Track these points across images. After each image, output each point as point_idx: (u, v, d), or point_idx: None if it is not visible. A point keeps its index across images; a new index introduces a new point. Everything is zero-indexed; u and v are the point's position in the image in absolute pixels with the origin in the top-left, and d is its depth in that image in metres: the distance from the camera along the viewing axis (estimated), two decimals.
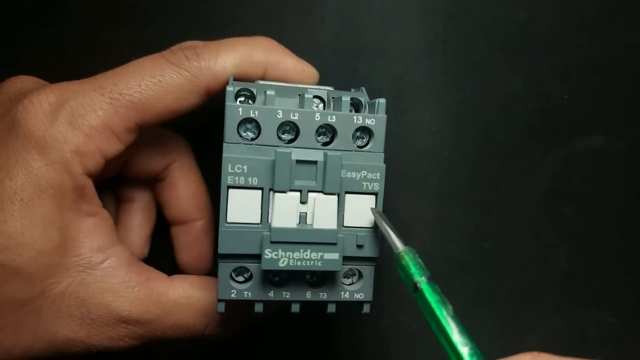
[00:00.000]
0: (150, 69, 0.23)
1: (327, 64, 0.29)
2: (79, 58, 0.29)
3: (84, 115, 0.22)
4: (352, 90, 0.26)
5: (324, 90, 0.23)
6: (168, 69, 0.23)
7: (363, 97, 0.23)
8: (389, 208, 0.30)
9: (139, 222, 0.28)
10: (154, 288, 0.23)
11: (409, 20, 0.29)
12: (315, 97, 0.23)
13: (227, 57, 0.23)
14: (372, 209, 0.22)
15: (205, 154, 0.28)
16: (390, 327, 0.31)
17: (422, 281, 0.19)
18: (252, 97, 0.22)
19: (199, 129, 0.28)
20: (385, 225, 0.21)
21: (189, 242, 0.28)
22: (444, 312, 0.18)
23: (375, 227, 0.22)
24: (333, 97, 0.22)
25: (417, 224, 0.31)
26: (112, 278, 0.22)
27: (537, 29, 0.30)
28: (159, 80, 0.22)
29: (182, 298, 0.24)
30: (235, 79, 0.23)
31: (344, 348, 0.32)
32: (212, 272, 0.29)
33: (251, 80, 0.24)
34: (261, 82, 0.24)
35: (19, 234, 0.21)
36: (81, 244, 0.22)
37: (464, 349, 0.17)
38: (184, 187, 0.27)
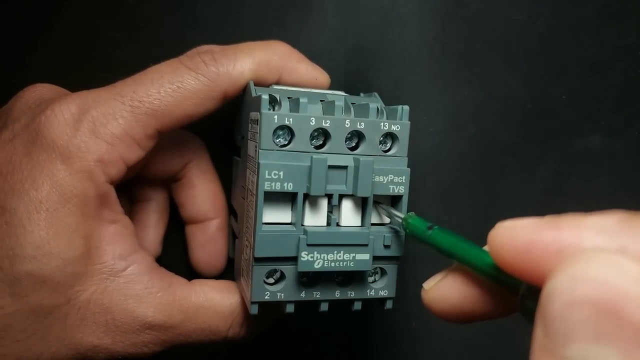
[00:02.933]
0: (169, 75, 0.23)
1: (326, 64, 0.29)
2: (81, 58, 0.29)
3: (106, 124, 0.22)
4: (362, 94, 0.27)
5: (342, 96, 0.24)
6: (186, 75, 0.23)
7: (379, 103, 0.24)
8: None
9: (155, 221, 0.29)
10: (176, 293, 0.23)
11: (408, 21, 0.30)
12: None
13: (244, 62, 0.24)
14: (376, 203, 0.23)
15: (218, 153, 0.29)
16: (420, 329, 0.31)
17: (434, 225, 0.20)
18: (276, 103, 0.22)
19: (212, 129, 0.29)
20: (388, 207, 0.23)
21: (204, 241, 0.29)
22: (462, 237, 0.18)
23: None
24: (353, 103, 0.23)
25: None
26: (135, 284, 0.23)
27: (536, 30, 0.30)
28: (178, 87, 0.23)
29: (205, 301, 0.24)
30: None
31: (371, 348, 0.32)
32: (226, 271, 0.30)
33: (265, 84, 0.24)
34: (276, 86, 0.25)
35: (45, 243, 0.21)
36: (104, 251, 0.22)
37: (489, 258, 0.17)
38: (200, 187, 0.28)
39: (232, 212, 0.29)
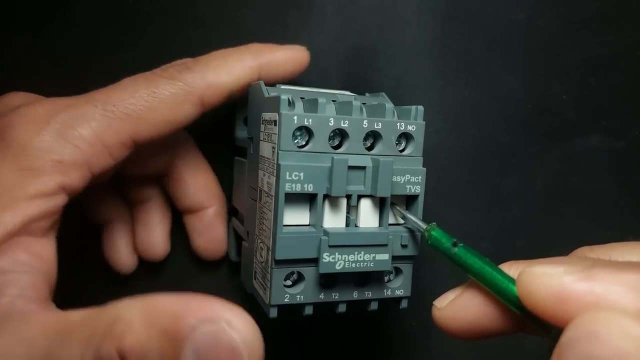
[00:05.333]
0: (144, 82, 0.23)
1: (327, 64, 0.29)
2: (80, 58, 0.29)
3: (75, 127, 0.21)
4: (367, 94, 0.27)
5: (351, 96, 0.24)
6: (161, 81, 0.23)
7: (389, 104, 0.23)
8: None
9: (158, 219, 0.29)
10: (31, 319, 0.18)
11: (409, 21, 0.30)
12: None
13: (218, 66, 0.24)
14: (392, 205, 0.23)
15: (219, 154, 0.29)
16: (418, 329, 0.31)
17: (458, 240, 0.20)
18: (290, 104, 0.22)
19: (212, 129, 0.29)
20: (407, 214, 0.23)
21: (203, 229, 0.29)
22: (487, 259, 0.19)
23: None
24: (364, 103, 0.23)
25: None
26: None
27: (536, 30, 0.30)
28: (153, 92, 0.23)
29: (58, 326, 0.18)
30: (233, 88, 0.24)
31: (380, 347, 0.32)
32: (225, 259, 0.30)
33: (247, 84, 0.25)
34: (284, 86, 0.25)
35: None
36: None
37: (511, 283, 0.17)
38: (191, 179, 0.28)
39: (233, 212, 0.29)
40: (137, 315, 0.15)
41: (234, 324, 0.15)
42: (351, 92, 0.27)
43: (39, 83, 0.26)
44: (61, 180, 0.21)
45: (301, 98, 0.22)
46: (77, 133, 0.21)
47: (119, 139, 0.22)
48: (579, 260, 0.17)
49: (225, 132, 0.29)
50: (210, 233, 0.29)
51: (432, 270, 0.29)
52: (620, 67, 0.31)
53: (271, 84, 0.25)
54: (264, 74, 0.25)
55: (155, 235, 0.29)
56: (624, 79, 0.31)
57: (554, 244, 0.32)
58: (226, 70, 0.24)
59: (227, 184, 0.30)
